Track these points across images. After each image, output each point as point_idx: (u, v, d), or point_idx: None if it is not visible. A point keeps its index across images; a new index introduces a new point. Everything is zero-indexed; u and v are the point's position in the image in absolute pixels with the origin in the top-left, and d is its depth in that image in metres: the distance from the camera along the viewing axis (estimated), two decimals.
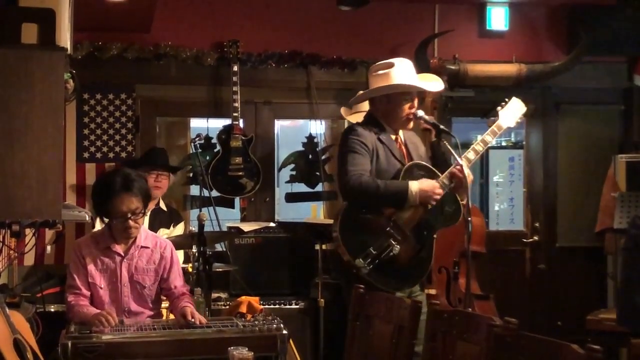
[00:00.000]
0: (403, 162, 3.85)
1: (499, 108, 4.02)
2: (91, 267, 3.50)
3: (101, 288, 3.50)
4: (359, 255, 3.65)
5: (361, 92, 4.19)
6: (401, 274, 3.73)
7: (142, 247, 3.59)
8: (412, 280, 3.80)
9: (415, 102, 3.90)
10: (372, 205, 3.73)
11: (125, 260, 3.54)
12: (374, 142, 3.81)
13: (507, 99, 4.06)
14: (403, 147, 3.95)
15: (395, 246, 3.69)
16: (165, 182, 5.01)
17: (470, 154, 3.85)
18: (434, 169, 3.87)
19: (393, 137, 3.92)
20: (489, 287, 4.91)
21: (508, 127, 4.03)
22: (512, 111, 4.03)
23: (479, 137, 3.97)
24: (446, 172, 3.78)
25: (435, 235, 3.82)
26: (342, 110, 5.14)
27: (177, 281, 3.63)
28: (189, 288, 3.69)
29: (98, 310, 3.34)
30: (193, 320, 3.20)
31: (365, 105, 4.27)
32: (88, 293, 3.50)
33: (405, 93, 3.84)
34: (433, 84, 4.00)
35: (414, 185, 3.70)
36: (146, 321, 3.38)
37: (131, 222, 3.47)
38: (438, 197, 3.73)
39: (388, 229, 3.70)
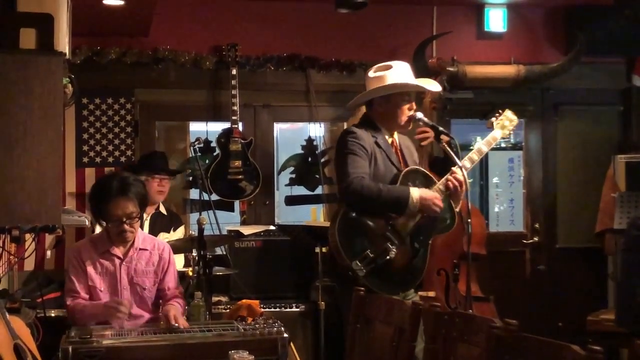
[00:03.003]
0: (399, 167, 3.83)
1: (493, 119, 4.07)
2: (91, 271, 3.51)
3: (101, 291, 3.51)
4: (356, 258, 3.63)
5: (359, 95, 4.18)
6: (396, 278, 3.71)
7: (140, 249, 3.60)
8: (406, 284, 3.78)
9: (413, 104, 3.90)
10: (371, 210, 3.71)
11: (124, 263, 3.55)
12: (372, 145, 3.78)
13: (500, 111, 4.14)
14: (399, 152, 3.93)
15: (392, 250, 3.67)
16: (168, 186, 5.03)
17: (466, 162, 3.84)
18: (430, 174, 3.85)
19: (389, 140, 3.90)
20: (489, 289, 4.90)
21: (502, 138, 4.14)
22: (506, 123, 4.12)
23: (475, 146, 3.98)
24: (442, 179, 3.76)
25: (430, 241, 3.80)
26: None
27: (171, 283, 3.64)
28: (182, 290, 3.70)
29: (102, 302, 3.37)
30: (176, 324, 3.20)
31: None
32: (87, 297, 3.51)
33: (404, 94, 3.82)
34: (432, 85, 4.00)
35: (416, 193, 3.67)
36: (147, 325, 3.39)
37: (126, 226, 3.48)
38: (438, 208, 3.70)
39: (387, 232, 3.69)
